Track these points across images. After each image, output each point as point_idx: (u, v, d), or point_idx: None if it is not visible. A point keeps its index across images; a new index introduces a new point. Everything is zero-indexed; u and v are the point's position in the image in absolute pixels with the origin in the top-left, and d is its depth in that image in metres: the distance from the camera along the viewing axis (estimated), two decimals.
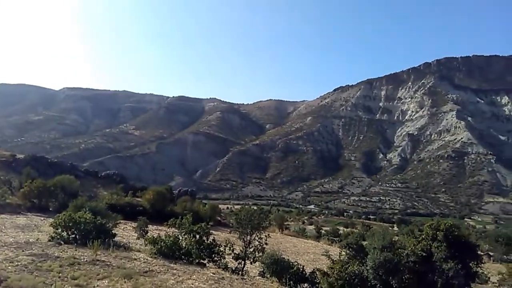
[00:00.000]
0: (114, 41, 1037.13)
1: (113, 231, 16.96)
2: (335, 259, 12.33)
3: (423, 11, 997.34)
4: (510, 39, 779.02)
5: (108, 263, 12.24)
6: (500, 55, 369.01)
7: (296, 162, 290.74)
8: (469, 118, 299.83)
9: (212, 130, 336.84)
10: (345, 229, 70.55)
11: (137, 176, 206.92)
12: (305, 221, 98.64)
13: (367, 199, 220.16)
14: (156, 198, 37.55)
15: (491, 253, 44.58)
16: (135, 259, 13.77)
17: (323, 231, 59.97)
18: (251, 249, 15.76)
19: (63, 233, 15.23)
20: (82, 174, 58.79)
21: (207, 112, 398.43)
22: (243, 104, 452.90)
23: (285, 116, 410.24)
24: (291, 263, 14.55)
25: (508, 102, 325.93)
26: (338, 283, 11.18)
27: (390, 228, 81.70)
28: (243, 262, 15.75)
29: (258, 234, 15.97)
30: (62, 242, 14.67)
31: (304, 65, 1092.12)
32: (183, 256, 15.09)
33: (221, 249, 15.59)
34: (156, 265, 13.16)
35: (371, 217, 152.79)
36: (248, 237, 15.91)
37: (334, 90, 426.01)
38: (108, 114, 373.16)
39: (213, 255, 15.50)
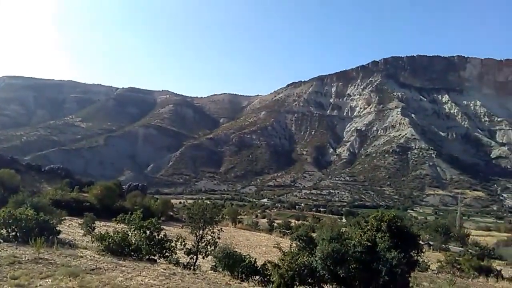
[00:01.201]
0: (58, 28, 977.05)
1: (57, 228, 16.22)
2: (286, 251, 12.60)
3: (373, 11, 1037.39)
4: (451, 41, 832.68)
5: (52, 261, 11.65)
6: (442, 56, 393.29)
7: (250, 156, 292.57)
8: (413, 115, 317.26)
9: (164, 123, 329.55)
10: (296, 222, 72.23)
11: (84, 171, 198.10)
12: (258, 214, 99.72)
13: (318, 192, 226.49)
14: (104, 193, 36.28)
15: (431, 242, 47.32)
16: (81, 256, 13.22)
17: (275, 224, 60.96)
18: (203, 244, 15.71)
19: (2, 231, 14.39)
20: (23, 169, 55.48)
21: (159, 104, 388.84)
22: (196, 97, 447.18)
23: (239, 111, 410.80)
24: (243, 256, 14.66)
25: (448, 100, 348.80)
26: (288, 274, 11.45)
27: (338, 220, 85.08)
28: (195, 257, 15.66)
29: (210, 228, 15.94)
30: (1, 241, 13.86)
31: (258, 60, 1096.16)
32: (132, 253, 14.72)
33: (173, 244, 15.38)
34: (103, 263, 12.71)
35: (322, 209, 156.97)
36: (201, 232, 15.83)
37: (287, 85, 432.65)
38: (53, 105, 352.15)
39: (164, 251, 15.25)
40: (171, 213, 48.14)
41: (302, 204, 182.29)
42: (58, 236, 15.45)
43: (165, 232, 16.07)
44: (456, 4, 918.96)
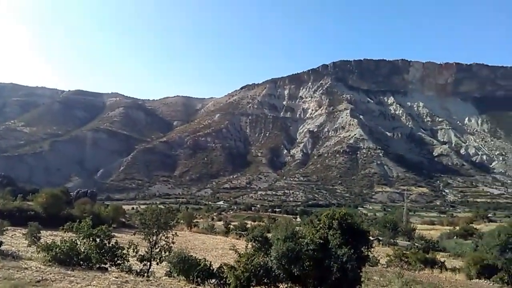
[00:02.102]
0: None
1: None
2: (241, 253, 12.66)
3: (322, 17, 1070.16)
4: (395, 45, 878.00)
5: None
6: (387, 59, 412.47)
7: (205, 159, 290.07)
8: (361, 117, 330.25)
9: (114, 127, 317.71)
10: (252, 223, 72.53)
11: (28, 178, 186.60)
12: (214, 217, 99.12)
13: (273, 193, 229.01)
14: (49, 201, 34.33)
15: (381, 238, 48.99)
16: (26, 268, 12.47)
17: (231, 226, 60.85)
18: (157, 250, 15.42)
19: None
20: None
21: (108, 107, 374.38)
22: (148, 100, 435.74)
23: (193, 113, 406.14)
24: (198, 260, 14.56)
25: (394, 102, 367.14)
26: (244, 275, 11.51)
27: (293, 219, 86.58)
28: (148, 263, 15.33)
29: (165, 233, 15.69)
30: None
31: (212, 62, 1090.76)
32: (82, 262, 14.12)
33: (125, 251, 14.93)
34: (50, 274, 12.08)
35: (277, 209, 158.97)
36: (154, 238, 15.53)
37: (241, 88, 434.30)
38: None
39: (116, 259, 14.77)
40: (123, 220, 46.56)
41: (258, 205, 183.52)
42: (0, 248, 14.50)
43: (116, 239, 15.59)
44: (399, 11, 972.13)
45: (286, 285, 12.36)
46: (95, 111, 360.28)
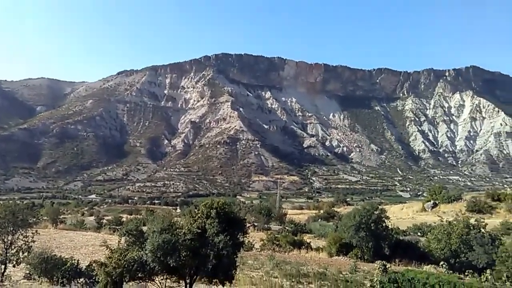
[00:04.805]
0: None
1: None
2: (113, 248, 12.00)
3: (206, 10, 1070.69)
4: (273, 44, 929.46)
5: None
6: (265, 56, 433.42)
7: (75, 149, 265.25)
8: (241, 109, 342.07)
9: None
10: (129, 216, 69.10)
11: None
12: (85, 212, 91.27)
13: (152, 184, 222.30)
14: None
15: (256, 224, 51.71)
16: None
17: (104, 221, 57.00)
18: (14, 250, 13.66)
19: None
20: None
21: None
22: (6, 81, 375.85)
23: (61, 98, 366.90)
24: (64, 259, 13.31)
25: (270, 96, 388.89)
26: (116, 271, 10.93)
27: (173, 211, 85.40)
28: (3, 266, 13.45)
29: (23, 232, 13.96)
30: None
31: (85, 43, 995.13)
32: None
33: None
34: None
35: (156, 201, 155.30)
36: (10, 237, 13.69)
37: (118, 73, 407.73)
38: None
39: None
40: None
41: (136, 198, 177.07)
42: None
43: None
44: (276, 10, 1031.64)
45: (162, 278, 12.16)
46: None
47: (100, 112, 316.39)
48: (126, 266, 10.86)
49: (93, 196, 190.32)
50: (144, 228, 12.95)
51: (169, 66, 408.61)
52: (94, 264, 12.34)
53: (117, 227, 41.02)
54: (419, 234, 36.84)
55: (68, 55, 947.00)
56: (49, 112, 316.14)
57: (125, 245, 11.95)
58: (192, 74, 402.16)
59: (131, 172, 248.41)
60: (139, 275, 11.36)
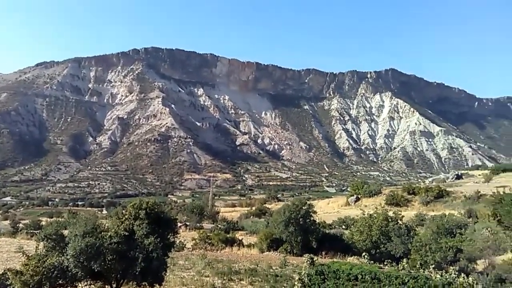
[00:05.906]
0: None
1: None
2: (31, 254, 11.06)
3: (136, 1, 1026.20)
4: (205, 40, 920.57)
5: None
6: (197, 52, 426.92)
7: None
8: (173, 106, 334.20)
9: None
10: (49, 220, 64.23)
11: None
12: None
13: (75, 185, 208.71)
14: None
15: (188, 223, 51.04)
16: None
17: (21, 225, 52.38)
18: None
19: None
20: None
21: None
22: None
23: None
24: None
25: (203, 93, 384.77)
26: (34, 279, 10.10)
27: (99, 212, 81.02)
28: None
29: None
30: None
31: None
32: None
33: None
34: None
35: (80, 203, 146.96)
36: None
37: (36, 65, 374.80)
38: None
39: None
40: None
41: (57, 199, 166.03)
42: None
43: None
44: (208, 8, 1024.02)
45: (85, 284, 11.49)
46: None
47: (16, 107, 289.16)
48: (45, 273, 10.09)
49: (8, 198, 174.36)
50: (66, 232, 12.11)
51: (94, 59, 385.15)
52: (8, 273, 11.22)
53: (36, 231, 37.95)
54: (343, 227, 39.15)
55: None
56: None
57: (44, 250, 11.09)
58: (119, 67, 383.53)
59: (51, 172, 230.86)
60: (60, 282, 10.64)
